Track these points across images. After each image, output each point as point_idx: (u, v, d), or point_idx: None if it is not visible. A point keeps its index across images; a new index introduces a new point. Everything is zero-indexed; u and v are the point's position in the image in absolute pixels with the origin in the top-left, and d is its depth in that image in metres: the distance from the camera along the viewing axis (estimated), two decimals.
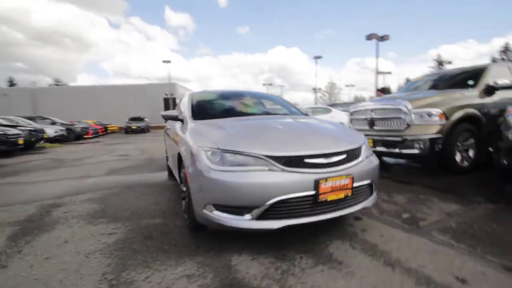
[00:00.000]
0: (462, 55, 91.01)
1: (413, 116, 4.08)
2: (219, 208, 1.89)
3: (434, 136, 3.92)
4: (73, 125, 15.63)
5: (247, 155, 1.87)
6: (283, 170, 1.82)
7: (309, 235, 2.19)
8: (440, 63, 30.80)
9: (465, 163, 4.17)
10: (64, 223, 2.71)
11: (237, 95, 3.71)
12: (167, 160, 5.03)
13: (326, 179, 1.83)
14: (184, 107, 3.16)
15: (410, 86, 5.85)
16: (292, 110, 3.44)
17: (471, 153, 4.22)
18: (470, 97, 4.27)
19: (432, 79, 5.45)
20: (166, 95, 27.88)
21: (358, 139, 2.26)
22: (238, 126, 2.45)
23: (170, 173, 4.84)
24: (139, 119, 23.12)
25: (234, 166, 1.86)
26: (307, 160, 1.88)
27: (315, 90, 31.14)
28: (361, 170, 2.02)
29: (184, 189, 2.51)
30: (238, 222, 1.83)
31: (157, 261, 1.91)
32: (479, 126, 4.21)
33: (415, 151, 4.00)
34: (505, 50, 57.76)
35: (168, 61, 26.19)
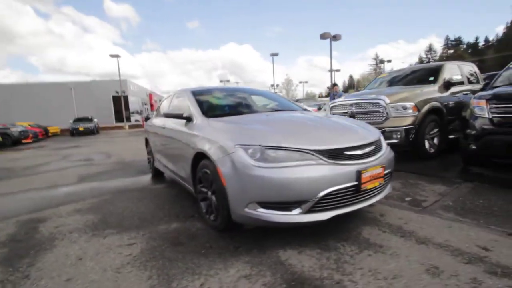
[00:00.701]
0: (395, 54, 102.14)
1: (390, 109, 4.51)
2: (264, 205, 1.88)
3: (409, 126, 4.40)
4: (8, 128, 13.41)
5: (292, 150, 1.89)
6: (329, 163, 1.88)
7: (335, 224, 2.30)
8: (381, 61, 34.17)
9: (432, 150, 4.76)
10: (63, 239, 2.38)
11: (238, 91, 3.67)
12: (150, 162, 4.72)
13: (366, 169, 1.95)
14: (187, 105, 3.01)
15: (377, 81, 6.41)
16: (294, 106, 3.52)
17: (436, 140, 4.84)
18: (433, 91, 4.88)
19: (397, 76, 6.07)
20: (117, 92, 25.53)
21: (376, 131, 2.44)
22: (263, 122, 2.45)
23: (158, 175, 4.57)
24: (87, 119, 20.85)
25: (277, 162, 1.87)
26: (346, 152, 1.98)
27: (272, 86, 31.85)
28: (387, 160, 2.20)
29: (205, 189, 2.42)
30: (287, 217, 1.85)
31: (202, 266, 1.83)
32: (441, 117, 4.84)
33: (394, 141, 4.44)
34: (429, 49, 66.55)
35: (117, 56, 23.88)
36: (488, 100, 3.42)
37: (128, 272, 1.82)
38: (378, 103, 4.60)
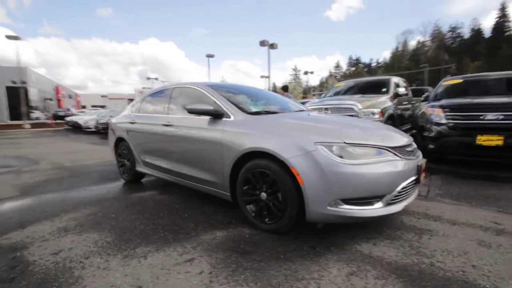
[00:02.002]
0: (309, 67, 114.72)
1: (362, 114, 5.13)
2: (348, 201, 1.91)
3: None
4: None
5: (373, 147, 1.99)
6: (402, 159, 2.06)
7: None
8: (305, 72, 38.00)
9: None
10: (84, 267, 1.83)
11: (255, 91, 3.54)
12: (124, 166, 4.03)
13: (422, 164, 2.21)
14: (212, 101, 2.73)
15: (335, 90, 7.15)
16: (302, 107, 3.63)
17: None
18: (387, 100, 5.78)
19: (352, 86, 6.92)
20: (14, 82, 20.14)
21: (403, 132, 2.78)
22: (320, 120, 2.51)
23: (135, 181, 3.95)
24: None
25: (360, 159, 1.93)
26: (407, 149, 2.20)
27: None
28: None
29: (255, 192, 2.27)
30: (370, 211, 1.93)
31: (298, 271, 1.72)
32: (394, 122, 5.79)
33: None
34: (337, 66, 77.39)
35: (16, 37, 18.90)
36: (444, 109, 4.30)
37: None
38: (352, 108, 5.15)
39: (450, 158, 4.57)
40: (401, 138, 2.30)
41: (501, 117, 3.72)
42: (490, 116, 3.79)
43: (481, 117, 3.87)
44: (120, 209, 2.93)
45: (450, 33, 66.46)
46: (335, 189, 1.89)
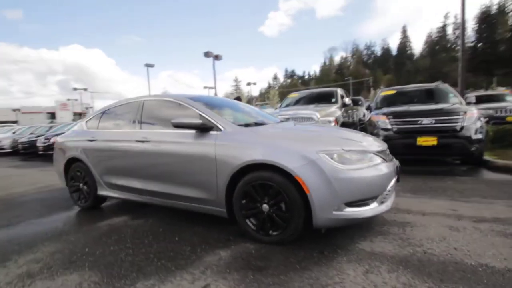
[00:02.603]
0: (248, 78, 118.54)
1: (320, 122, 5.55)
2: (350, 204, 2.06)
3: None
4: None
5: (366, 152, 2.19)
6: (387, 161, 2.30)
7: None
8: (248, 83, 39.20)
9: None
10: None
11: (232, 102, 3.49)
12: (80, 191, 3.50)
13: (400, 165, 2.52)
14: (197, 114, 2.61)
15: (289, 100, 7.57)
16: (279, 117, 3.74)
17: None
18: (337, 109, 6.39)
19: (305, 96, 7.43)
20: None
21: None
22: (309, 130, 2.62)
23: (95, 207, 3.49)
24: None
25: (357, 164, 2.11)
26: (386, 153, 2.48)
27: None
28: None
29: (256, 204, 2.25)
30: (367, 211, 2.10)
31: (321, 278, 1.76)
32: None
33: None
34: (275, 78, 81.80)
35: None
36: (387, 116, 4.97)
37: None
38: (312, 117, 5.54)
39: (397, 158, 5.28)
40: (380, 143, 2.59)
41: (433, 121, 4.49)
42: (426, 121, 4.55)
43: (418, 122, 4.61)
44: (91, 242, 2.53)
45: (366, 50, 77.36)
46: (339, 194, 2.01)
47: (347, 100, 6.81)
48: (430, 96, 5.89)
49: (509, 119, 8.24)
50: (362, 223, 2.54)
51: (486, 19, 48.23)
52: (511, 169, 4.21)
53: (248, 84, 39.38)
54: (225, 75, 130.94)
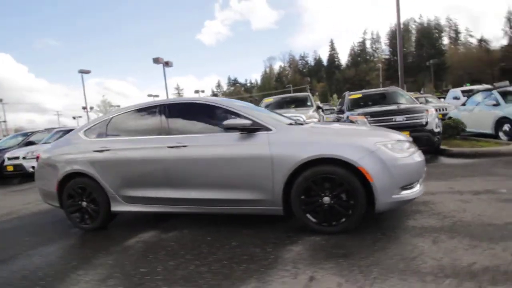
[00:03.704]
0: (189, 86, 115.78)
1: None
2: (404, 188, 2.34)
3: None
4: None
5: (407, 141, 2.51)
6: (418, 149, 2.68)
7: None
8: (196, 91, 38.37)
9: None
10: None
11: (253, 105, 3.48)
12: (85, 211, 3.05)
13: None
14: (250, 115, 2.60)
15: (265, 104, 7.81)
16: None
17: None
18: (315, 113, 6.89)
19: (280, 101, 7.78)
20: None
21: None
22: (347, 127, 2.90)
23: (103, 228, 3.09)
24: None
25: (406, 152, 2.42)
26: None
27: (85, 109, 25.74)
28: None
29: (316, 199, 2.37)
30: (414, 193, 2.41)
31: (406, 252, 1.98)
32: None
33: None
34: (218, 85, 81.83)
35: None
36: (366, 116, 5.62)
37: None
38: (299, 119, 5.86)
39: None
40: (405, 135, 3.00)
41: (405, 118, 5.28)
42: (398, 118, 5.31)
43: (393, 120, 5.34)
44: (138, 260, 2.26)
45: (301, 60, 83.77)
46: (397, 179, 2.28)
47: (319, 103, 7.40)
48: (388, 97, 6.86)
49: (440, 116, 10.08)
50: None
51: (397, 36, 57.45)
52: (464, 154, 5.23)
53: (197, 91, 38.60)
54: (162, 83, 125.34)
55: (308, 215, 2.41)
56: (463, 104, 8.44)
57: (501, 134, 6.46)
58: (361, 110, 5.99)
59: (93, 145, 3.03)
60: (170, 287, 1.85)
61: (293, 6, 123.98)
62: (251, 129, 2.53)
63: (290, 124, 2.80)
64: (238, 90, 76.08)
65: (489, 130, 6.75)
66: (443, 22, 64.64)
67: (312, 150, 2.35)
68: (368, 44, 74.19)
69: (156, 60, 17.39)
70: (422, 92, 29.02)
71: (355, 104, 6.87)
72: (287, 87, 57.30)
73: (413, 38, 65.29)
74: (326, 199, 2.35)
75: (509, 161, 4.55)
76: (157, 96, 33.25)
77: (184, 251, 2.36)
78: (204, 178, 2.65)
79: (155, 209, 2.87)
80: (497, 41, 54.83)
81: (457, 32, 64.86)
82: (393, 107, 5.79)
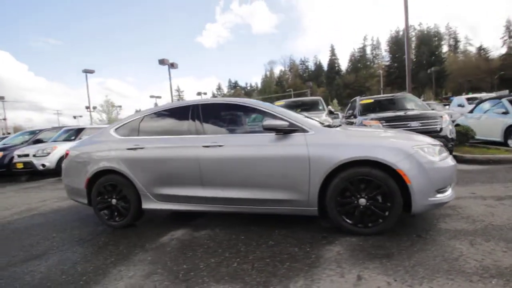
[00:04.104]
0: (189, 88, 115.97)
1: None
2: (439, 191, 2.40)
3: None
4: None
5: (439, 146, 2.57)
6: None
7: None
8: (198, 93, 38.51)
9: None
10: None
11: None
12: (105, 209, 3.07)
13: None
14: (286, 116, 2.66)
15: None
16: None
17: None
18: (328, 117, 6.97)
19: (291, 105, 7.84)
20: None
21: None
22: (382, 131, 2.96)
23: (131, 225, 3.10)
24: None
25: (439, 155, 2.47)
26: None
27: (88, 108, 25.67)
28: None
29: (352, 199, 2.41)
30: (447, 197, 2.45)
31: (449, 250, 2.02)
32: None
33: None
34: (219, 88, 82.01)
35: None
36: (381, 121, 5.69)
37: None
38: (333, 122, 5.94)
39: None
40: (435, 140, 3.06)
41: (419, 124, 5.36)
42: (414, 124, 5.38)
43: (408, 125, 5.42)
44: (178, 257, 2.29)
45: (301, 65, 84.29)
46: (434, 182, 2.33)
47: (331, 108, 7.48)
48: (400, 103, 6.95)
49: None
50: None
51: (397, 43, 58.14)
52: (477, 160, 5.31)
53: (199, 94, 38.67)
54: (164, 83, 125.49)
55: (343, 217, 2.46)
56: (470, 112, 8.56)
57: (510, 142, 6.56)
58: (374, 115, 6.07)
59: (126, 143, 3.06)
60: (218, 283, 1.88)
61: (293, 11, 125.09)
62: (287, 130, 2.58)
63: (327, 126, 2.85)
64: (239, 93, 76.33)
65: (498, 137, 6.85)
66: (442, 30, 65.62)
67: (350, 152, 2.40)
68: (368, 50, 74.89)
69: (162, 62, 17.44)
70: (422, 99, 29.30)
71: (367, 109, 6.95)
72: (287, 91, 57.57)
73: (413, 45, 66.15)
74: (362, 201, 2.40)
75: None
76: (159, 97, 33.22)
77: (221, 249, 2.39)
78: (239, 177, 2.68)
79: (186, 207, 2.89)
80: (496, 50, 55.67)
81: (456, 40, 65.90)
82: (407, 112, 5.87)
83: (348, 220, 2.45)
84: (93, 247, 2.70)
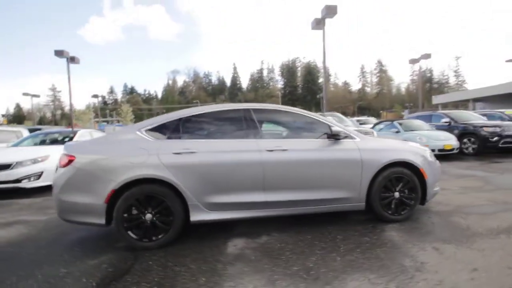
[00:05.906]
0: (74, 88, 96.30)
1: None
2: (436, 184, 3.33)
3: None
4: None
5: (430, 149, 3.54)
6: None
7: None
8: (95, 95, 32.42)
9: None
10: None
11: None
12: (134, 228, 2.60)
13: None
14: (338, 125, 3.04)
15: None
16: None
17: None
18: None
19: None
20: None
21: None
22: (399, 138, 3.64)
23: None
24: None
25: (434, 157, 3.43)
26: None
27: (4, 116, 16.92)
28: None
29: (390, 193, 3.05)
30: (439, 188, 3.42)
31: (475, 238, 2.87)
32: None
33: None
34: (111, 91, 71.91)
35: None
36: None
37: None
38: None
39: None
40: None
41: None
42: None
43: None
44: (279, 262, 2.24)
45: (205, 78, 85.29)
46: (436, 177, 3.25)
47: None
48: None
49: None
50: None
51: (289, 70, 67.85)
52: None
53: (95, 96, 32.49)
54: (31, 79, 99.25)
55: (385, 208, 3.02)
56: None
57: None
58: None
59: (171, 146, 2.66)
60: (347, 274, 2.03)
61: (194, 25, 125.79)
62: (342, 137, 2.98)
63: (365, 133, 3.42)
64: (136, 99, 69.37)
65: None
66: (319, 64, 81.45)
67: (390, 155, 3.03)
68: (265, 73, 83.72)
69: (60, 53, 14.16)
70: None
71: None
72: (194, 102, 56.75)
73: (299, 74, 78.49)
74: (397, 194, 3.04)
75: None
76: (37, 96, 26.11)
77: (308, 250, 2.48)
78: (301, 180, 2.85)
79: (244, 214, 2.78)
80: (356, 85, 73.62)
81: (328, 75, 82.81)
82: None
83: (388, 211, 3.03)
84: (164, 274, 2.20)
